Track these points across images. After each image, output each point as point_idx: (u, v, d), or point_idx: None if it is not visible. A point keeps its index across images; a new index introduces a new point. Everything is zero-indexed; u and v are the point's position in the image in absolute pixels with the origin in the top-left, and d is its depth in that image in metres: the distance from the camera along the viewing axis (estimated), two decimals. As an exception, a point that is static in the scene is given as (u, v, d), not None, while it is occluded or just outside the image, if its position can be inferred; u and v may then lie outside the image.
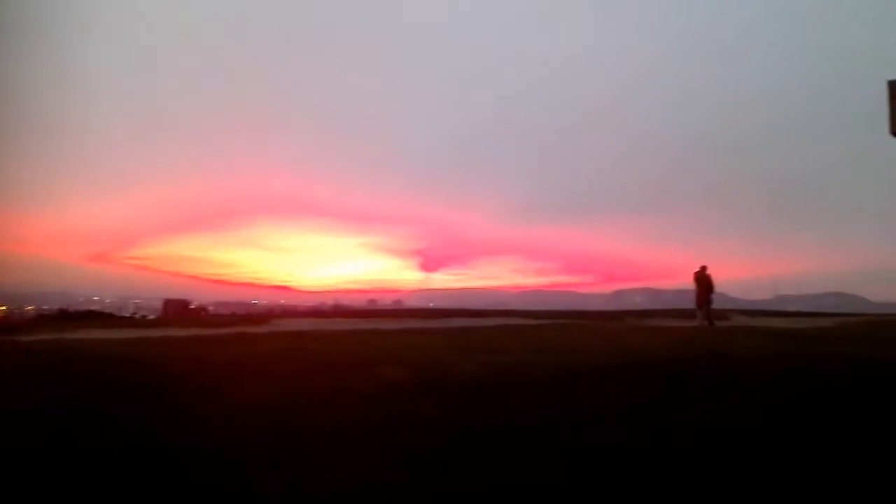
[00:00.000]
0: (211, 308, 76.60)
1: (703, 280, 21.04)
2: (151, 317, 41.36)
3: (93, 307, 74.87)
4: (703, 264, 21.41)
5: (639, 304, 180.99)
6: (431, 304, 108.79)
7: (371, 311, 35.39)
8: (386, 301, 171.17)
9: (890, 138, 20.92)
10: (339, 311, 40.31)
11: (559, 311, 32.41)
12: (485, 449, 4.26)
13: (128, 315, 47.05)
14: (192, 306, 61.16)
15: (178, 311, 54.09)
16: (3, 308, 64.94)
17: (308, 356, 9.01)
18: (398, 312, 31.88)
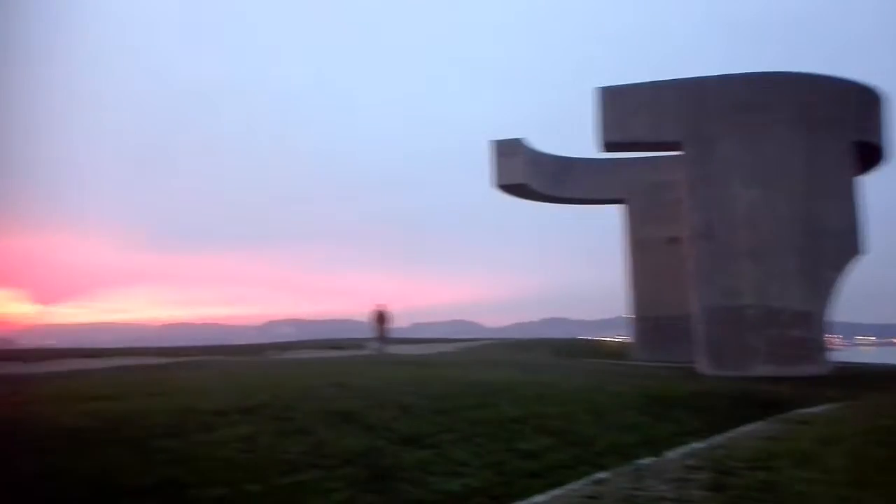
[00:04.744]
0: None
1: (382, 314, 24.45)
2: None
3: None
4: (383, 302, 24.73)
5: (288, 335, 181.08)
6: (54, 343, 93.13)
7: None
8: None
9: (494, 189, 24.93)
10: None
11: (197, 347, 30.49)
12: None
13: None
14: None
15: None
16: None
17: None
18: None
